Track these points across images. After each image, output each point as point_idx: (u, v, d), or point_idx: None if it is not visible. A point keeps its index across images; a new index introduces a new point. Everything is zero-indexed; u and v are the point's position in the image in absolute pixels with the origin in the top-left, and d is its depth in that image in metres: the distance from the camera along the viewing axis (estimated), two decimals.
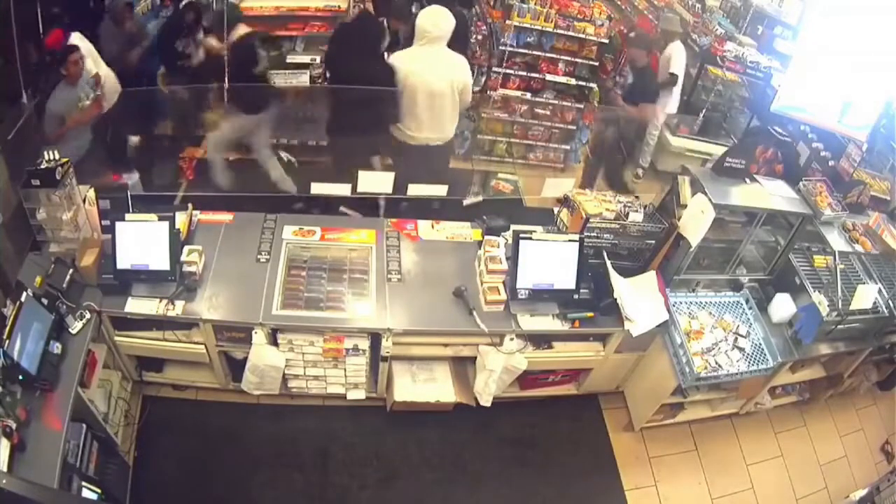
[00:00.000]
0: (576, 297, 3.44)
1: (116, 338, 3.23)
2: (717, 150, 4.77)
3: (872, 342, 3.94)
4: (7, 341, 2.50)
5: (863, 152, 3.88)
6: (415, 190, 3.78)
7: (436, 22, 3.75)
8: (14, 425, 2.41)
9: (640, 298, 3.52)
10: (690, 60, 5.64)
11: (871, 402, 4.62)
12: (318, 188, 3.73)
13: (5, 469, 2.30)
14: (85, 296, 3.08)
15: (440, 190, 3.87)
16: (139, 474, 3.24)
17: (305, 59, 4.91)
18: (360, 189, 3.65)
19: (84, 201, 3.14)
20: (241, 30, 4.25)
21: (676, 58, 5.43)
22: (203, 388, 3.63)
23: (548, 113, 5.45)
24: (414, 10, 4.60)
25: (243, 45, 4.18)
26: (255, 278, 3.32)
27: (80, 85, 3.83)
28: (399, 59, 3.85)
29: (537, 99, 5.48)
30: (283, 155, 5.15)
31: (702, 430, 4.11)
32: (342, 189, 3.70)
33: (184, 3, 4.76)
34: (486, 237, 3.66)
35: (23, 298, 2.66)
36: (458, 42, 4.24)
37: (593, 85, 5.78)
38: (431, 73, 3.80)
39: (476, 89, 4.66)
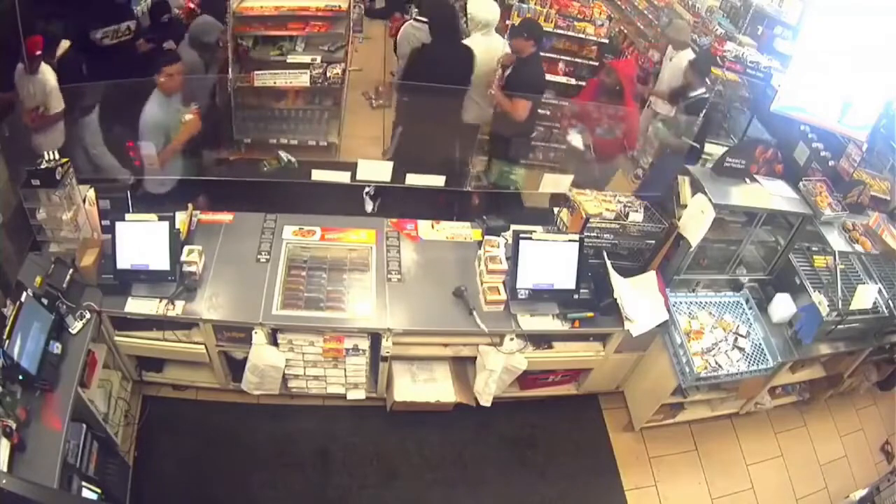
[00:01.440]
0: (576, 297, 3.44)
1: (116, 338, 3.23)
2: (718, 150, 4.76)
3: (872, 342, 3.94)
4: (7, 341, 2.50)
5: (863, 152, 3.88)
6: (413, 180, 3.78)
7: (485, 7, 4.38)
8: (14, 425, 2.41)
9: (640, 298, 3.52)
10: None
11: (871, 402, 4.62)
12: (318, 175, 3.72)
13: (5, 469, 2.30)
14: (85, 296, 3.08)
15: (438, 180, 3.87)
16: (139, 474, 3.23)
17: (306, 59, 4.91)
18: (359, 177, 3.65)
19: (84, 201, 3.14)
20: (65, 44, 4.18)
21: None
22: (203, 388, 3.63)
23: (548, 113, 5.45)
24: None
25: (66, 59, 4.13)
26: (255, 278, 3.32)
27: (173, 99, 3.66)
28: (471, 43, 4.40)
29: None
30: (284, 155, 5.15)
31: (702, 430, 4.11)
32: (342, 176, 3.69)
33: None
34: (486, 237, 3.66)
35: (23, 298, 2.66)
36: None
37: None
38: (486, 54, 4.37)
39: None
